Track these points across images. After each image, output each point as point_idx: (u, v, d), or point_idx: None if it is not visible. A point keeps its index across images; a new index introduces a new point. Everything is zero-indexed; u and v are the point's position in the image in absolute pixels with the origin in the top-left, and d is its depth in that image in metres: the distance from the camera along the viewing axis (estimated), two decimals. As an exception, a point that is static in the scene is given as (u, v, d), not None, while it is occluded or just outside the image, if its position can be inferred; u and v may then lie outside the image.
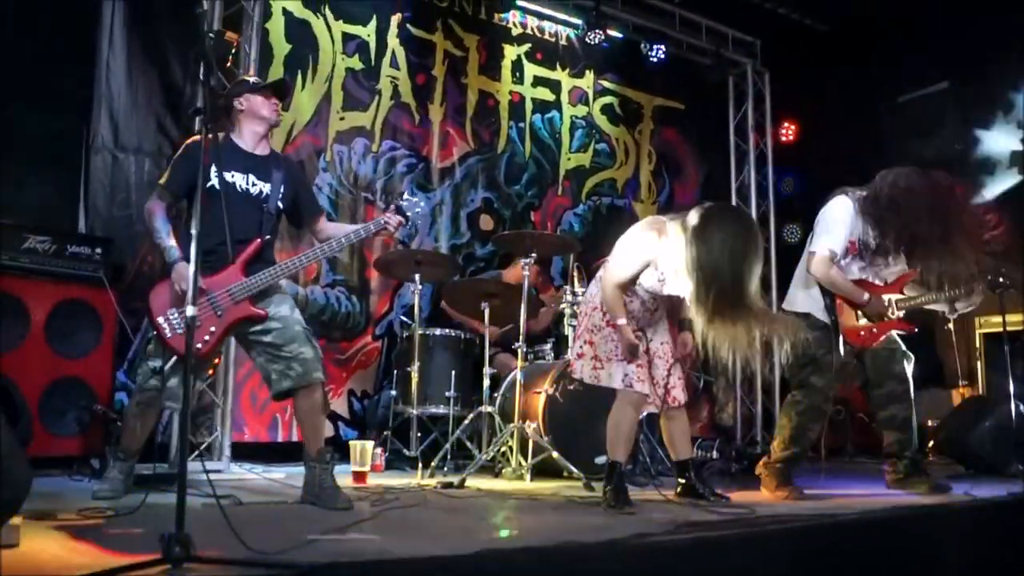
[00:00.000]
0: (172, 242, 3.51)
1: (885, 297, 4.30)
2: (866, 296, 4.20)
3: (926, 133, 7.71)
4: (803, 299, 4.36)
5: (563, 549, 2.56)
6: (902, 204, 4.08)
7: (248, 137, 3.73)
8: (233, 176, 3.62)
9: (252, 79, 3.81)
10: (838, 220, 4.23)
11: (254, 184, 3.67)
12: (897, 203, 4.09)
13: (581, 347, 3.94)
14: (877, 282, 4.32)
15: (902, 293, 4.35)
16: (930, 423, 6.79)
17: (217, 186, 3.43)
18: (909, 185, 4.12)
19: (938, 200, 4.07)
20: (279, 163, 3.82)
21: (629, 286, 3.81)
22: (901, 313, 4.32)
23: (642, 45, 7.42)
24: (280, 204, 3.74)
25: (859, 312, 4.27)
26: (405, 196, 3.94)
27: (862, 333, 4.28)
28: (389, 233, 3.83)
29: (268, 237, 3.67)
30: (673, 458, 4.11)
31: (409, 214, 3.83)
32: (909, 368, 4.39)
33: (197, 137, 3.68)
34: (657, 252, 3.69)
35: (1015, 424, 5.09)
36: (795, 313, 4.33)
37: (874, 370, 4.36)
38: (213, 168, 3.52)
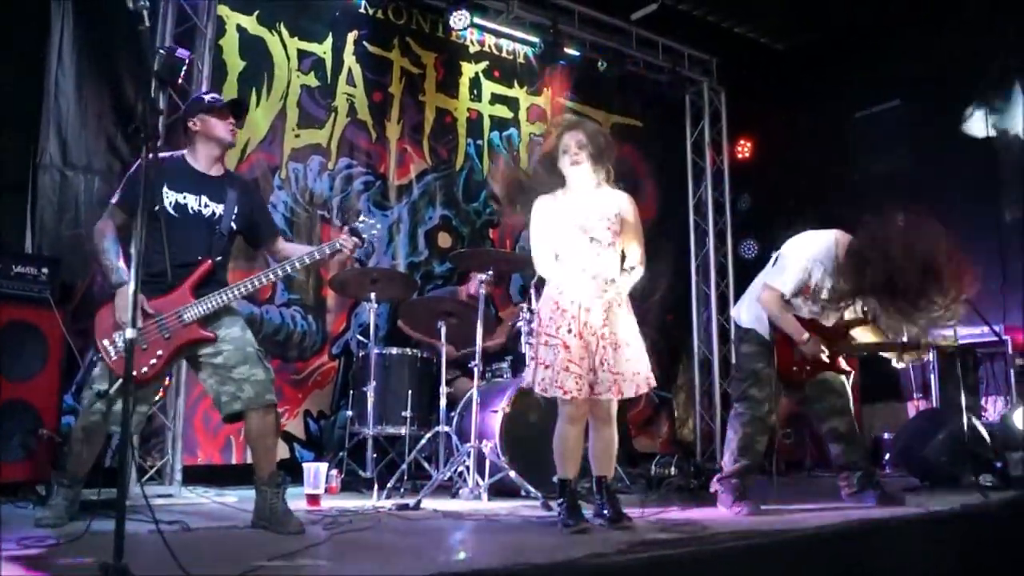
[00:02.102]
0: (120, 263, 3.45)
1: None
2: (805, 336, 4.25)
3: (880, 149, 7.83)
4: (749, 316, 4.45)
5: (516, 571, 2.52)
6: (883, 255, 4.01)
7: (202, 158, 3.67)
8: (185, 197, 3.56)
9: (208, 97, 3.72)
10: (798, 264, 4.28)
11: (206, 205, 3.62)
12: (878, 254, 4.03)
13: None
14: (825, 323, 4.40)
15: (849, 337, 4.46)
16: (886, 436, 6.87)
17: (168, 207, 3.38)
18: (887, 235, 4.09)
19: (920, 248, 3.98)
20: (234, 183, 3.76)
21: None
22: (839, 356, 4.43)
23: (599, 64, 7.46)
24: (233, 225, 3.68)
25: (796, 348, 4.32)
26: (361, 218, 3.88)
27: (794, 368, 4.36)
28: (345, 256, 3.78)
29: (219, 258, 3.61)
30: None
31: (365, 236, 3.78)
32: (848, 381, 4.48)
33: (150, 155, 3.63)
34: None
35: (968, 436, 5.16)
36: (738, 327, 4.50)
37: (812, 385, 4.43)
38: (165, 188, 3.47)
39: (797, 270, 4.27)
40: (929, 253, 3.94)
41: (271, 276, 3.69)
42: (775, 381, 4.32)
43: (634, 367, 3.63)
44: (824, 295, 4.30)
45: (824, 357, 4.33)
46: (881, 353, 4.53)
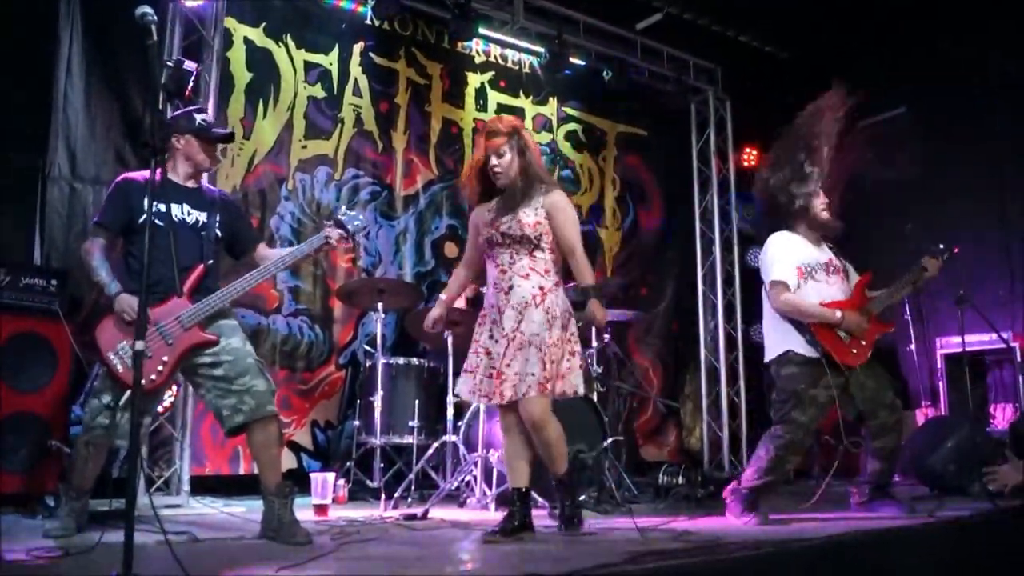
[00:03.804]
0: (111, 278, 3.50)
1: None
2: (838, 314, 4.19)
3: (885, 157, 7.82)
4: (778, 341, 4.32)
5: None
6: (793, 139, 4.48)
7: (180, 172, 3.71)
8: (168, 207, 3.58)
9: (199, 119, 3.72)
10: (775, 252, 4.32)
11: (189, 213, 3.66)
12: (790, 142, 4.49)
13: None
14: (840, 298, 4.32)
15: (866, 299, 4.38)
16: (894, 444, 6.83)
17: (156, 218, 3.39)
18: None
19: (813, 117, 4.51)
20: (212, 195, 3.81)
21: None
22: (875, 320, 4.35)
23: (604, 73, 7.47)
24: (218, 232, 3.73)
25: (840, 332, 4.23)
26: (343, 209, 3.89)
27: (853, 351, 4.24)
28: (332, 247, 3.77)
29: (211, 262, 3.65)
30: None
31: (350, 227, 3.78)
32: (888, 384, 4.39)
33: (129, 174, 3.71)
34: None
35: (977, 444, 5.14)
36: (774, 359, 4.33)
37: (864, 401, 4.29)
38: (146, 201, 3.49)
39: (778, 255, 4.28)
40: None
41: (265, 272, 3.69)
42: (820, 403, 4.19)
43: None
44: (813, 266, 4.30)
45: (867, 324, 4.25)
46: (901, 295, 4.48)
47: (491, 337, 3.65)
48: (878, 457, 4.36)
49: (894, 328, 4.41)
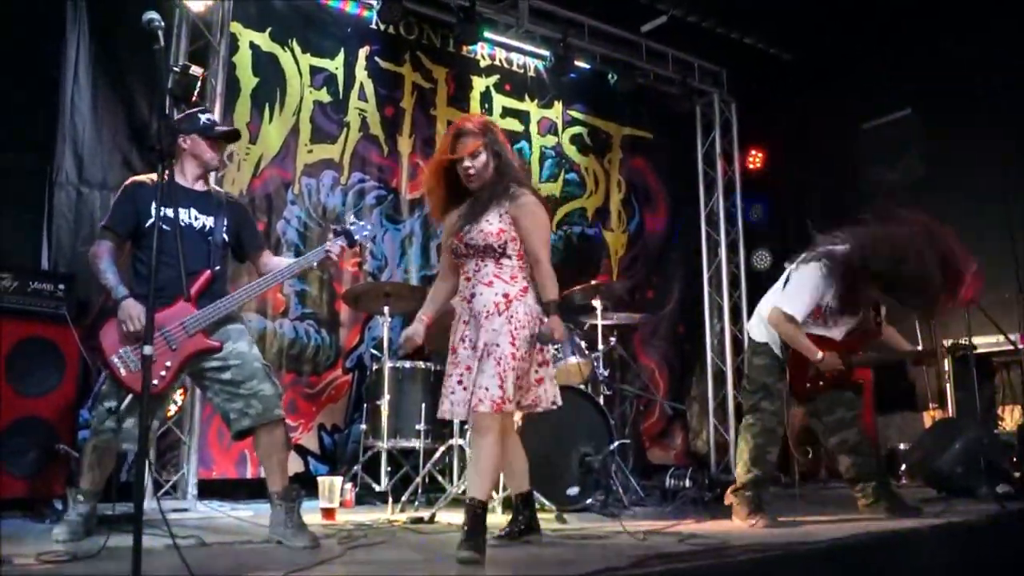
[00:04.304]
0: (118, 281, 3.49)
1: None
2: (820, 355, 4.24)
3: (891, 159, 7.81)
4: (762, 331, 4.44)
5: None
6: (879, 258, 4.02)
7: (188, 174, 3.70)
8: (176, 211, 3.58)
9: (204, 118, 3.73)
10: (808, 288, 4.23)
11: (197, 218, 3.65)
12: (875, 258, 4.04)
13: None
14: (833, 336, 4.37)
15: (861, 350, 4.49)
16: (902, 446, 6.82)
17: (163, 222, 3.40)
18: (882, 235, 4.08)
19: (920, 239, 4.00)
20: (221, 198, 3.80)
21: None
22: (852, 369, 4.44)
23: (609, 76, 7.48)
24: (225, 236, 3.72)
25: (811, 366, 4.32)
26: (351, 219, 3.89)
27: (808, 385, 4.39)
28: (333, 262, 3.78)
29: (218, 268, 3.64)
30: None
31: (358, 238, 3.79)
32: (858, 395, 4.51)
33: (137, 178, 3.70)
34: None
35: (984, 446, 5.13)
36: (752, 340, 4.48)
37: (823, 398, 4.43)
38: (154, 205, 3.51)
39: (809, 293, 4.22)
40: (928, 251, 3.94)
41: (270, 280, 3.70)
42: (787, 394, 4.34)
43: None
44: (836, 308, 4.29)
45: (841, 368, 4.32)
46: (895, 360, 4.52)
47: (458, 348, 3.42)
48: (843, 452, 4.44)
49: (864, 385, 4.48)
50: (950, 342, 4.54)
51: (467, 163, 3.36)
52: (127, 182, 3.70)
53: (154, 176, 3.67)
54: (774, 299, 4.36)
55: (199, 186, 3.74)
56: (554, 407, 3.51)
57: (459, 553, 2.97)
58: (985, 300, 5.11)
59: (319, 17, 6.43)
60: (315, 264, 3.75)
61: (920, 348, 4.41)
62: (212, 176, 3.99)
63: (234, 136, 3.95)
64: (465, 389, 3.32)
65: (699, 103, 8.32)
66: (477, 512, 3.14)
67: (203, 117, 3.74)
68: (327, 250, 3.72)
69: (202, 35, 5.48)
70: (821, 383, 4.38)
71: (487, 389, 3.18)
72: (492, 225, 3.33)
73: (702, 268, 8.14)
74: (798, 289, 4.27)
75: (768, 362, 4.39)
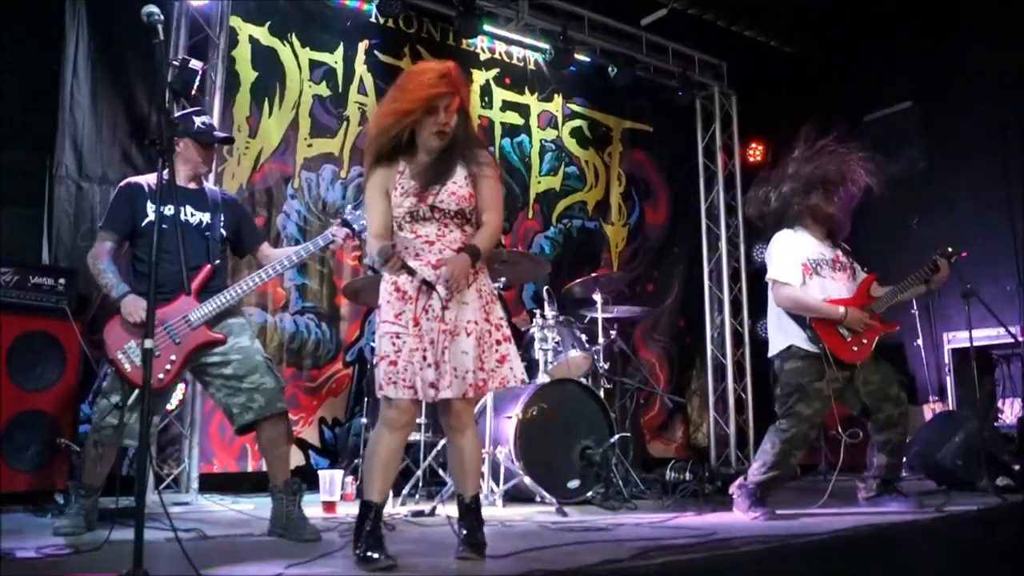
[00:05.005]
0: (119, 280, 3.52)
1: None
2: (841, 310, 4.19)
3: (891, 152, 7.80)
4: (781, 336, 4.34)
5: (531, 577, 2.53)
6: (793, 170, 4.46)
7: (181, 175, 3.72)
8: (171, 209, 3.58)
9: (199, 121, 3.74)
10: (782, 249, 4.33)
11: (193, 215, 3.68)
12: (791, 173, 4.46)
13: None
14: (845, 295, 4.32)
15: (870, 298, 4.36)
16: (902, 439, 6.82)
17: (161, 220, 3.40)
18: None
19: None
20: (215, 195, 3.83)
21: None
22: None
23: (609, 69, 7.46)
24: (223, 232, 3.75)
25: (841, 329, 4.23)
26: (349, 209, 3.91)
27: (854, 348, 4.23)
28: (338, 246, 3.79)
29: (217, 262, 3.67)
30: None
31: (356, 226, 3.79)
32: (894, 377, 4.39)
33: (131, 179, 3.73)
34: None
35: (984, 439, 5.13)
36: (777, 354, 4.36)
37: (869, 395, 4.30)
38: (149, 204, 3.52)
39: (788, 256, 4.28)
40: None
41: (271, 271, 3.71)
42: (824, 396, 4.18)
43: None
44: (821, 262, 4.32)
45: (869, 321, 4.24)
46: (909, 294, 4.45)
47: (421, 320, 2.93)
48: (884, 451, 4.37)
49: (898, 328, 4.36)
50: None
51: (443, 117, 3.01)
52: (122, 183, 3.74)
53: (148, 177, 3.70)
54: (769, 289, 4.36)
55: (193, 185, 3.77)
56: (523, 385, 3.27)
57: (460, 553, 2.97)
58: (985, 293, 5.13)
59: (318, 11, 6.42)
60: (320, 249, 3.76)
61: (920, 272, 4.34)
62: (211, 175, 4.01)
63: (226, 142, 3.98)
64: (436, 368, 2.89)
65: (699, 96, 8.31)
66: (474, 508, 3.10)
67: (198, 120, 3.75)
68: (332, 234, 3.74)
69: (201, 29, 5.48)
70: (863, 341, 4.22)
71: (469, 372, 2.91)
72: (462, 189, 3.03)
73: (702, 261, 8.14)
74: (776, 256, 4.33)
75: (799, 364, 4.23)
